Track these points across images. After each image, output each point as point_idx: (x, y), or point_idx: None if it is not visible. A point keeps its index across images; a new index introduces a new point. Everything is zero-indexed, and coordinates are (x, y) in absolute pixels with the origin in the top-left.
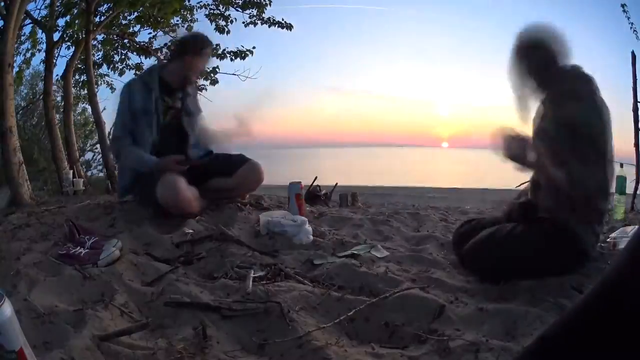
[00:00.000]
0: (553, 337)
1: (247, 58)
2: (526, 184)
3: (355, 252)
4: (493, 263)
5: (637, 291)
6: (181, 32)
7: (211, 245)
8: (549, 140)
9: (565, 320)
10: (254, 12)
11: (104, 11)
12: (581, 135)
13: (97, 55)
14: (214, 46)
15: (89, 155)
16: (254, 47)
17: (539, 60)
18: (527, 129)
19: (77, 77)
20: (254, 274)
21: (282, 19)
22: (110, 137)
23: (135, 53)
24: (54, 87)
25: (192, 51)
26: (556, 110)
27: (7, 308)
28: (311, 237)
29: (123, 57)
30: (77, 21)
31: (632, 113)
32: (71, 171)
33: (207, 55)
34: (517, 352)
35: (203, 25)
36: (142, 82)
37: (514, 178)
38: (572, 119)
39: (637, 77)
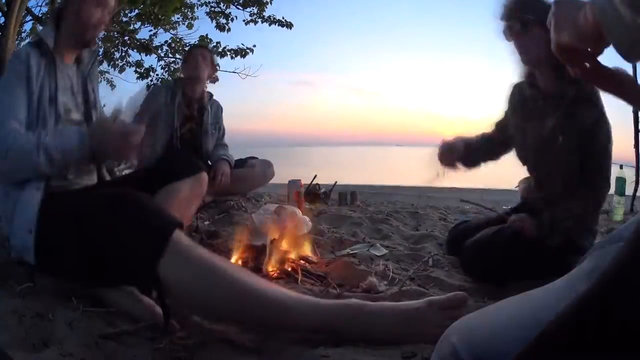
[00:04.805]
0: (553, 334)
1: (247, 56)
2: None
3: (354, 250)
4: (491, 265)
5: (638, 286)
6: (182, 29)
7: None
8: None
9: (565, 316)
10: (255, 10)
11: None
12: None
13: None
14: (212, 46)
15: None
16: (254, 45)
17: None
18: None
19: None
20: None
21: (283, 17)
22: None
23: (135, 50)
24: None
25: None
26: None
27: None
28: (310, 224)
29: (123, 54)
30: None
31: (632, 114)
32: None
33: (195, 58)
34: None
35: (203, 23)
36: (167, 87)
37: (513, 178)
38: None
39: (637, 79)
